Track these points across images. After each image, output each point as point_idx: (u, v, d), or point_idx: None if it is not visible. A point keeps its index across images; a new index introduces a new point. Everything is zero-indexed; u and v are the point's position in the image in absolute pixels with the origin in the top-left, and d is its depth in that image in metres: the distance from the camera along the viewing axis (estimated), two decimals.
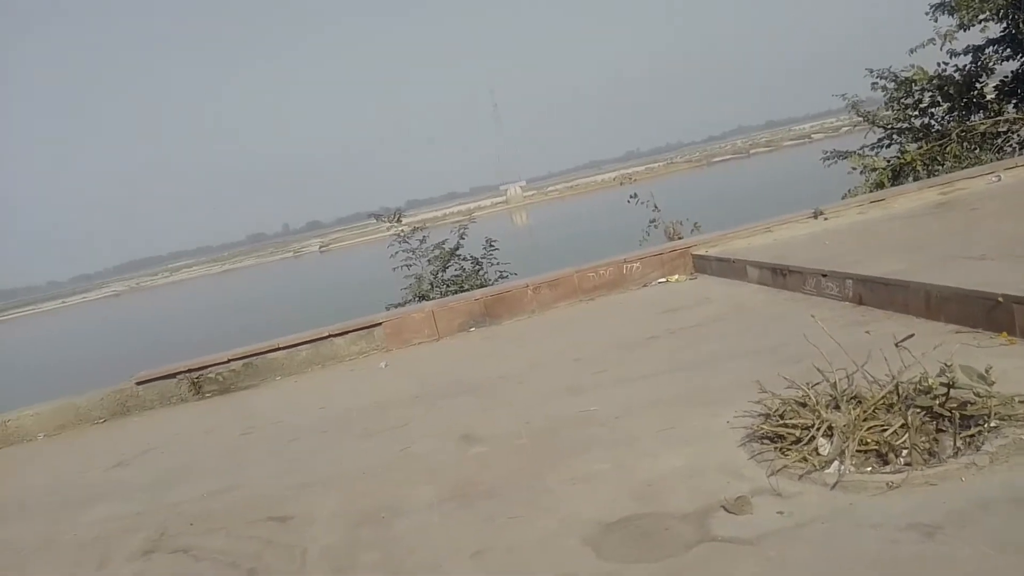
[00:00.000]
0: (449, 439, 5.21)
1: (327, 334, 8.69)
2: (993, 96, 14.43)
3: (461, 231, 13.54)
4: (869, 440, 3.48)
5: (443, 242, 13.56)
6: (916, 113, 14.62)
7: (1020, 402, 3.51)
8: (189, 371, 8.42)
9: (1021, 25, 13.33)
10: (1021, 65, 14.20)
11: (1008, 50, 13.95)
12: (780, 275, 7.50)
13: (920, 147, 14.07)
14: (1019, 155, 12.81)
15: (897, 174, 13.97)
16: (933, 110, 14.58)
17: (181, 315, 59.43)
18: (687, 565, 3.06)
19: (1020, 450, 3.26)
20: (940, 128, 14.34)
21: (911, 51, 14.24)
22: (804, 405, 3.84)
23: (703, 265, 9.23)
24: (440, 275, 13.22)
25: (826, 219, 9.38)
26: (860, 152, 15.12)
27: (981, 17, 13.50)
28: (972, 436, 3.38)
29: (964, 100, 14.24)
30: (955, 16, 13.64)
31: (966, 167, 12.08)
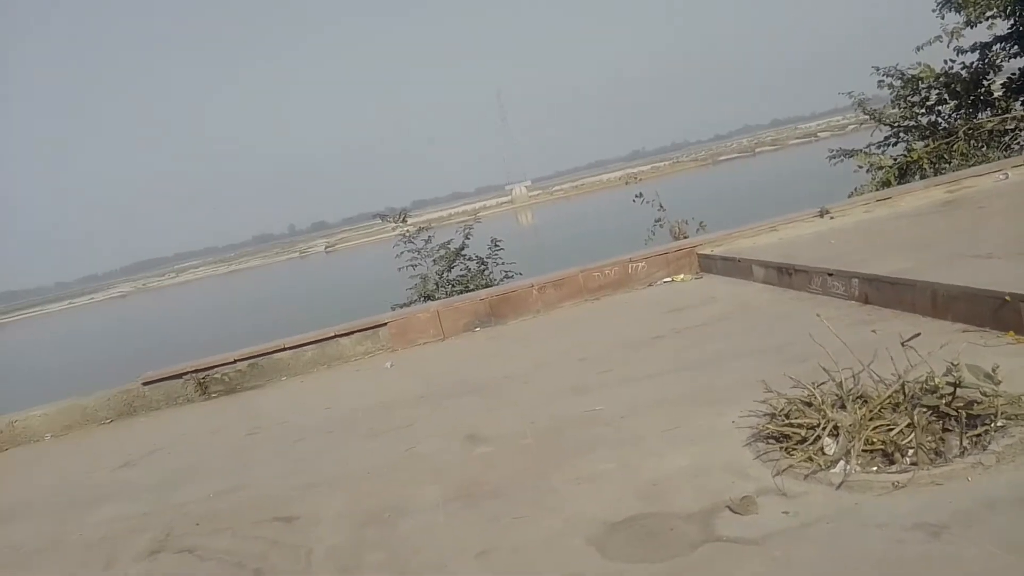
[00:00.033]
0: (454, 439, 5.21)
1: (333, 334, 8.70)
2: (1000, 93, 14.37)
3: (466, 231, 13.55)
4: (875, 440, 3.47)
5: (448, 242, 13.57)
6: (923, 111, 14.59)
7: None
8: (195, 371, 8.44)
9: None
10: None
11: (1015, 47, 13.89)
12: (786, 274, 7.48)
13: (927, 145, 14.03)
14: None
15: (904, 172, 13.93)
16: (940, 108, 14.54)
17: (187, 316, 59.64)
18: (692, 565, 3.05)
19: None
20: (947, 126, 14.30)
21: (918, 48, 14.21)
22: (810, 404, 3.83)
23: (708, 264, 9.21)
24: (445, 275, 13.23)
25: (832, 218, 9.35)
26: (866, 150, 15.09)
27: (988, 14, 13.46)
28: (979, 435, 3.36)
29: (971, 98, 14.20)
30: (962, 13, 13.60)
31: (973, 165, 12.03)
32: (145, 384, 8.41)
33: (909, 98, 14.55)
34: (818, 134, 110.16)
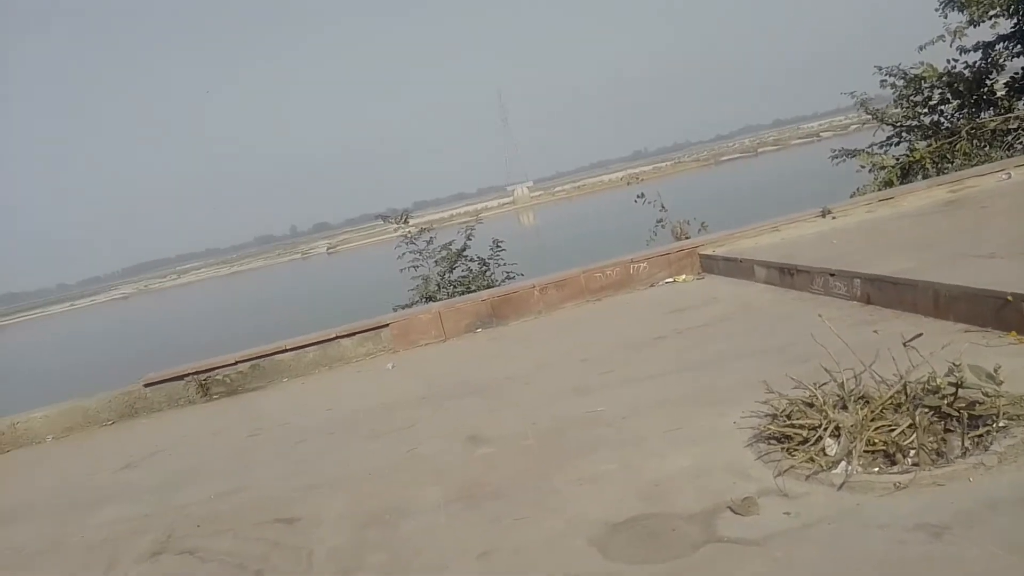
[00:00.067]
0: (456, 440, 5.20)
1: (334, 335, 8.70)
2: (1003, 93, 14.35)
3: (468, 232, 13.56)
4: (876, 440, 3.46)
5: (450, 243, 13.57)
6: (925, 110, 14.57)
7: None
8: (197, 373, 8.44)
9: None
10: None
11: (1019, 46, 13.86)
12: (788, 274, 7.47)
13: (929, 145, 14.01)
14: None
15: (906, 172, 13.91)
16: (943, 107, 14.52)
17: (189, 317, 59.72)
18: (693, 566, 3.05)
19: None
20: (950, 125, 14.28)
21: (920, 48, 14.19)
22: (811, 405, 3.83)
23: (710, 265, 9.20)
24: (447, 276, 13.23)
25: (834, 218, 9.33)
26: (869, 150, 15.07)
27: (991, 13, 13.43)
28: (980, 436, 3.35)
29: (974, 97, 14.18)
30: (965, 12, 13.57)
31: (976, 165, 12.00)
32: (146, 386, 8.42)
33: (912, 98, 14.53)
34: (820, 134, 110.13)
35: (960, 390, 3.44)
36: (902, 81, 14.41)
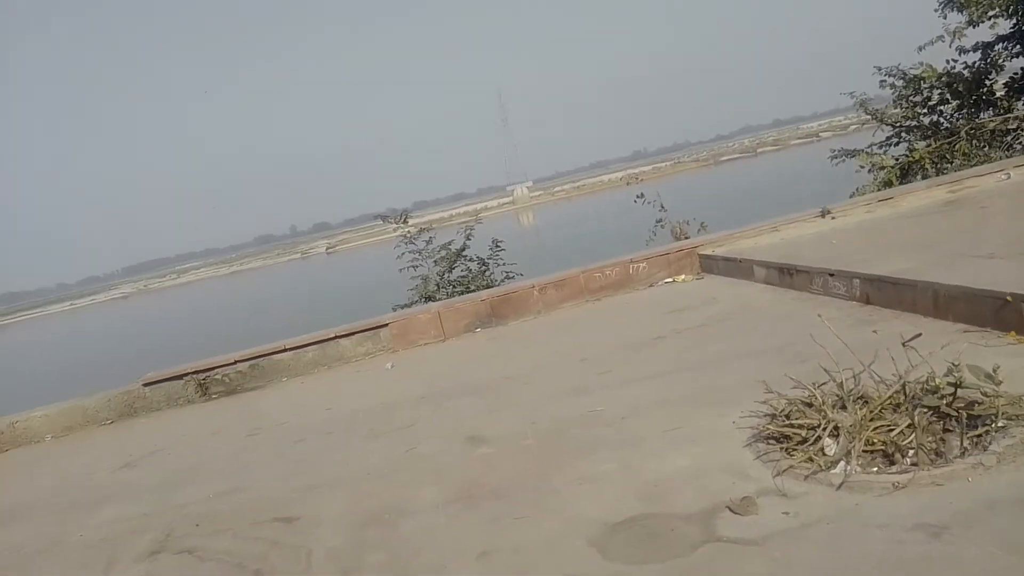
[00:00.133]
0: (455, 440, 5.20)
1: (333, 335, 8.70)
2: (1003, 93, 14.34)
3: (467, 232, 13.56)
4: (875, 440, 3.46)
5: (449, 243, 13.57)
6: (925, 111, 14.56)
7: None
8: (196, 372, 8.44)
9: None
10: None
11: (1018, 47, 13.86)
12: (787, 274, 7.48)
13: (929, 145, 14.01)
14: None
15: (905, 172, 13.91)
16: (942, 108, 14.51)
17: (188, 317, 59.69)
18: (692, 565, 3.05)
19: None
20: (949, 126, 14.27)
21: (920, 48, 14.18)
22: (810, 405, 3.83)
23: (710, 265, 9.21)
24: (446, 276, 13.23)
25: (833, 218, 9.34)
26: (868, 150, 15.07)
27: (991, 14, 13.43)
28: (979, 436, 3.36)
29: (973, 97, 14.18)
30: (964, 13, 13.57)
31: (975, 165, 12.01)
32: (146, 385, 8.42)
33: (911, 98, 14.52)
34: (820, 134, 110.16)
35: (959, 390, 3.44)
36: (901, 81, 14.41)
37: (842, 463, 3.44)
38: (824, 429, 3.60)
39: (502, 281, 12.80)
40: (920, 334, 4.02)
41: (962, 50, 13.99)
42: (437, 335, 8.86)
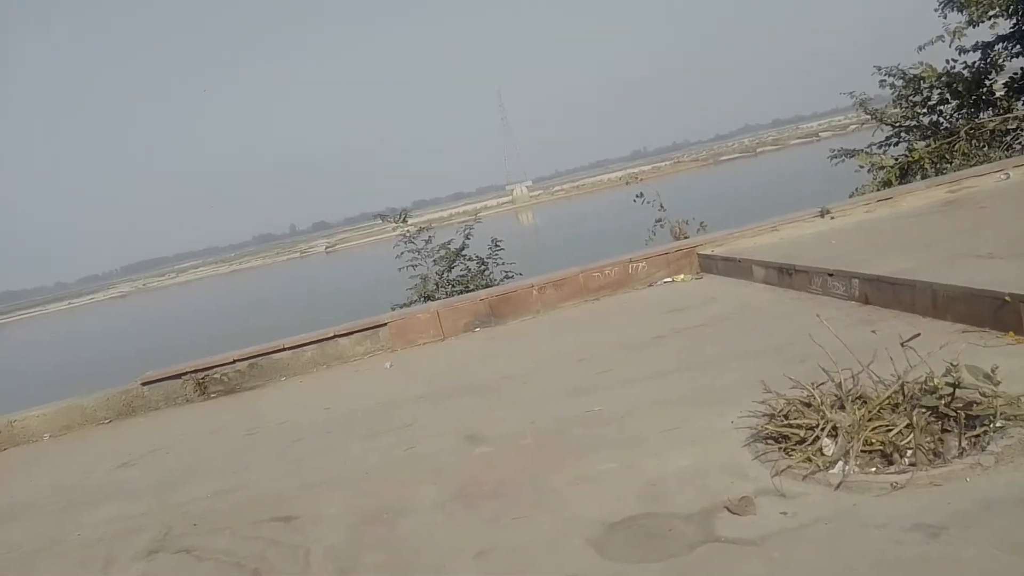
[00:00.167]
0: (454, 439, 5.20)
1: (332, 335, 8.70)
2: (1002, 93, 14.34)
3: (466, 231, 13.56)
4: (874, 440, 3.46)
5: (448, 242, 13.57)
6: (924, 111, 14.55)
7: None
8: (194, 372, 8.44)
9: None
10: None
11: (1018, 46, 13.85)
12: (786, 274, 7.48)
13: (928, 145, 14.00)
14: None
15: (905, 172, 13.90)
16: (942, 107, 14.50)
17: (187, 316, 59.69)
18: (691, 565, 3.05)
19: None
20: (948, 126, 14.27)
21: (920, 48, 14.17)
22: (809, 405, 3.82)
23: (709, 265, 9.20)
24: (445, 275, 13.23)
25: (833, 218, 9.34)
26: (868, 150, 15.06)
27: (991, 13, 13.42)
28: (977, 436, 3.36)
29: (973, 97, 14.17)
30: (964, 12, 13.56)
31: (975, 165, 12.00)
32: (144, 384, 8.42)
33: (911, 98, 14.51)
34: (819, 134, 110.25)
35: (957, 390, 3.44)
36: (901, 81, 14.40)
37: (840, 463, 3.44)
38: (822, 429, 3.60)
39: (501, 280, 12.81)
40: (919, 334, 4.02)
41: (962, 50, 13.98)
42: (436, 334, 8.86)
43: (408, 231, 13.54)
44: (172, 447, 6.82)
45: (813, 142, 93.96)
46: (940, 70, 14.08)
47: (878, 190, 12.75)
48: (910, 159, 13.92)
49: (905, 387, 3.62)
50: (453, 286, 12.90)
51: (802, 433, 3.69)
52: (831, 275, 6.73)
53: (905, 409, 3.53)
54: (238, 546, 4.24)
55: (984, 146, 13.56)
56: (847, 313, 6.09)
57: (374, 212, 15.99)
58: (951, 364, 3.46)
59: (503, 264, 13.48)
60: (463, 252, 13.46)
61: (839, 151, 15.42)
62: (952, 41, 13.77)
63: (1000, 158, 12.41)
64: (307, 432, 6.26)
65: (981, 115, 14.16)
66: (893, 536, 2.90)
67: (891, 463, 3.40)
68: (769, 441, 3.86)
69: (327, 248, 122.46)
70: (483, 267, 13.41)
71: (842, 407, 3.70)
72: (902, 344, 3.87)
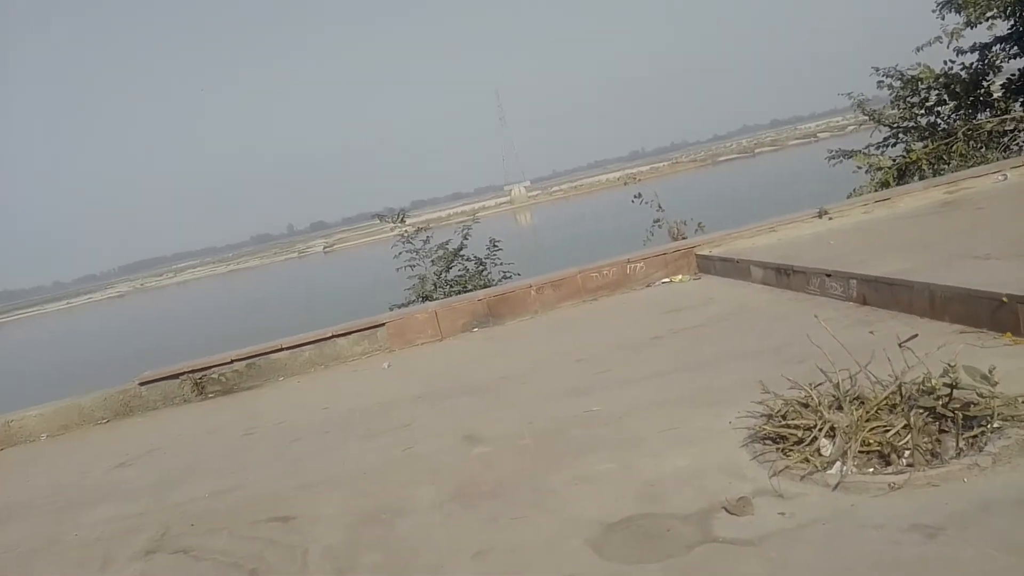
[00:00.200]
0: (452, 439, 5.20)
1: (330, 335, 8.69)
2: (1000, 94, 14.36)
3: (465, 231, 13.56)
4: (871, 441, 3.47)
5: (447, 242, 13.57)
6: (922, 112, 14.57)
7: (1023, 403, 3.50)
8: (192, 372, 8.43)
9: None
10: None
11: (1015, 48, 13.87)
12: (784, 275, 7.48)
13: (926, 146, 14.02)
14: None
15: (903, 173, 13.92)
16: (939, 108, 14.52)
17: (185, 316, 59.64)
18: (688, 566, 3.05)
19: (1023, 451, 3.24)
20: (946, 127, 14.28)
21: (917, 49, 14.19)
22: (806, 406, 3.83)
23: (707, 265, 9.21)
24: (443, 275, 13.24)
25: (831, 219, 9.34)
26: (865, 151, 15.07)
27: (988, 15, 13.44)
28: (975, 437, 3.36)
29: (971, 98, 14.18)
30: (962, 14, 13.58)
31: (972, 166, 12.02)
32: (142, 384, 8.40)
33: (908, 99, 14.53)
34: (817, 135, 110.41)
35: (955, 391, 3.44)
36: (899, 82, 14.41)
37: (838, 464, 3.44)
38: (820, 430, 3.61)
39: (499, 281, 12.82)
40: (916, 335, 4.03)
41: (960, 51, 14.00)
42: (434, 335, 8.86)
43: (406, 231, 13.55)
44: (170, 447, 6.82)
45: (811, 143, 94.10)
46: (938, 71, 14.10)
47: (876, 191, 12.77)
48: (908, 160, 13.94)
49: (903, 388, 3.63)
50: (451, 286, 12.91)
51: (800, 434, 3.69)
52: (829, 276, 6.74)
53: (903, 410, 3.53)
54: (236, 546, 4.24)
55: (982, 147, 13.58)
56: (845, 314, 6.10)
57: (372, 212, 16.01)
58: (949, 365, 3.46)
59: (501, 264, 13.49)
60: (461, 252, 13.47)
61: (837, 152, 15.43)
62: (950, 42, 13.79)
63: (998, 159, 12.43)
64: (305, 432, 6.25)
65: (979, 116, 14.17)
66: (891, 536, 2.90)
67: (889, 464, 3.40)
68: (767, 442, 3.87)
69: (325, 248, 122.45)
70: (481, 267, 13.42)
71: (840, 408, 3.70)
72: (900, 345, 3.87)
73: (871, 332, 5.39)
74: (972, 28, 13.62)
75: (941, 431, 3.45)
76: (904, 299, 5.73)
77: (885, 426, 3.50)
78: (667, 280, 9.25)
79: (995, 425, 3.37)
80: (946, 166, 13.44)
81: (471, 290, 11.73)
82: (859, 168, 14.66)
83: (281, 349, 8.56)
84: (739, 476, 3.65)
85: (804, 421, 3.73)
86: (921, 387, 3.56)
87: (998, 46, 13.96)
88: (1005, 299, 4.72)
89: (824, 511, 3.19)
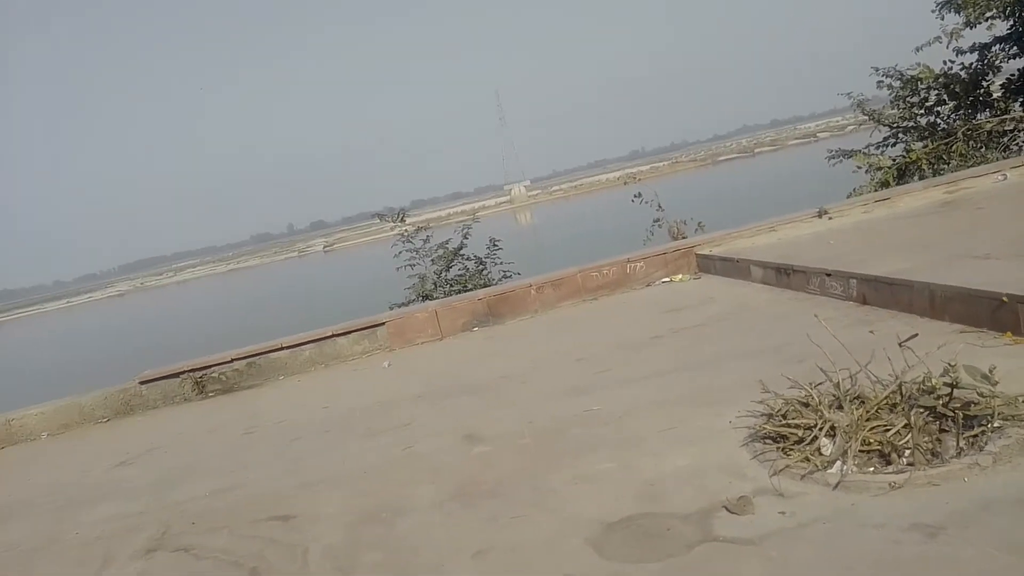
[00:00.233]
0: (452, 439, 5.20)
1: (330, 334, 8.69)
2: (999, 94, 14.36)
3: (465, 231, 13.57)
4: (872, 440, 3.47)
5: (447, 242, 13.58)
6: (922, 111, 14.57)
7: (1023, 402, 3.50)
8: (192, 371, 8.43)
9: None
10: None
11: (1015, 48, 13.87)
12: (784, 274, 7.48)
13: (926, 146, 14.02)
14: None
15: (902, 173, 13.92)
16: (939, 108, 14.52)
17: (185, 315, 59.62)
18: (689, 565, 3.05)
19: (1023, 450, 3.25)
20: (946, 127, 14.29)
21: (917, 49, 14.20)
22: (807, 405, 3.83)
23: (707, 265, 9.21)
24: (443, 275, 13.24)
25: (831, 218, 9.35)
26: (865, 151, 15.07)
27: (988, 15, 13.44)
28: (975, 436, 3.36)
29: (970, 98, 14.19)
30: (961, 14, 13.58)
31: (972, 166, 12.02)
32: (142, 383, 8.41)
33: (908, 99, 14.53)
34: (817, 134, 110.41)
35: (955, 390, 3.44)
36: (899, 82, 14.41)
37: (838, 463, 3.44)
38: (820, 429, 3.61)
39: (499, 280, 12.82)
40: (916, 334, 4.03)
41: (959, 51, 14.00)
42: (434, 334, 8.86)
43: (406, 231, 13.55)
44: (170, 446, 6.82)
45: (811, 143, 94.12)
46: (937, 71, 14.11)
47: (876, 191, 12.77)
48: (908, 160, 13.94)
49: (903, 387, 3.63)
50: (451, 285, 12.91)
51: (800, 433, 3.69)
52: (829, 275, 6.74)
53: (903, 409, 3.54)
54: (236, 545, 4.24)
55: (981, 147, 13.59)
56: (845, 313, 6.10)
57: (372, 212, 16.02)
58: (949, 364, 3.47)
59: (501, 264, 13.49)
60: (461, 252, 13.48)
61: (837, 152, 15.43)
62: (949, 42, 13.79)
63: (997, 159, 12.44)
64: (305, 431, 6.25)
65: (978, 116, 14.18)
66: (891, 536, 2.90)
67: (889, 463, 3.40)
68: (767, 441, 3.87)
69: (325, 247, 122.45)
70: (481, 267, 13.43)
71: (840, 407, 3.70)
72: (900, 344, 3.88)
73: (871, 332, 5.39)
74: (971, 28, 13.62)
75: (941, 430, 3.45)
76: (904, 299, 5.74)
77: (885, 425, 3.50)
78: (667, 280, 9.25)
79: (995, 424, 3.38)
80: (946, 166, 13.45)
81: (471, 289, 11.73)
82: (859, 168, 14.67)
83: (281, 348, 8.57)
84: (739, 475, 3.65)
85: (804, 420, 3.73)
86: (921, 386, 3.56)
87: (997, 46, 13.97)
88: (1005, 299, 4.72)
89: (824, 510, 3.19)
